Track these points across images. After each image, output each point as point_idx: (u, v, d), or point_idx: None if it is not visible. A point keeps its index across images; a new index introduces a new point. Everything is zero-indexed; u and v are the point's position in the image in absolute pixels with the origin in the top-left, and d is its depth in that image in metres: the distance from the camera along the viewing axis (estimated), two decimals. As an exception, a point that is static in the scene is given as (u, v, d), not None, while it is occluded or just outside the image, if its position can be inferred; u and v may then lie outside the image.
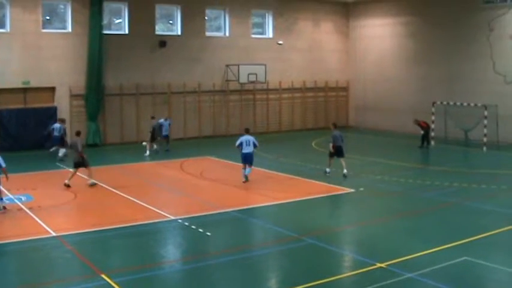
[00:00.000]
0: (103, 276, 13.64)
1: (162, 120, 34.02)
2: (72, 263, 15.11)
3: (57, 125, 32.03)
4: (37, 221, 18.75)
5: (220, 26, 42.75)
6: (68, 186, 23.86)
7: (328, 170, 26.31)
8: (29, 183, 24.96)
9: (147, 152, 32.56)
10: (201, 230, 17.62)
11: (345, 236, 17.91)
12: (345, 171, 25.81)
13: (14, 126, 34.49)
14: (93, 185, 24.33)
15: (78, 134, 25.72)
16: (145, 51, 38.65)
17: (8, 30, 34.42)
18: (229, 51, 41.79)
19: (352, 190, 23.26)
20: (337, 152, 26.14)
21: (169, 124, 34.60)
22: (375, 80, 45.87)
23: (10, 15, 34.35)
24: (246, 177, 25.01)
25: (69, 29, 36.42)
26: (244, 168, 25.12)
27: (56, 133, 31.65)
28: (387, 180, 25.33)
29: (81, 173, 24.55)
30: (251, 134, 25.81)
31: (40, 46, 35.14)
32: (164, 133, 34.00)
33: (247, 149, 24.90)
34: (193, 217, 19.12)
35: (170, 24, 41.17)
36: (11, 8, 34.31)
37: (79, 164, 24.50)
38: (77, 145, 24.45)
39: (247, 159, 25.05)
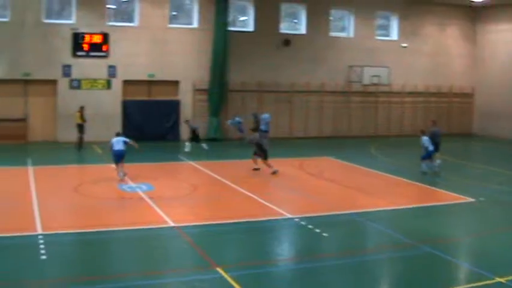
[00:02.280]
0: (218, 269, 13.77)
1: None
2: (189, 254, 15.37)
3: (237, 119, 35.43)
4: (157, 211, 19.19)
5: (344, 26, 42.54)
6: (257, 169, 26.87)
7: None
8: (151, 173, 25.75)
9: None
10: (317, 230, 17.51)
11: (463, 246, 17.32)
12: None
13: (138, 117, 35.65)
14: (275, 172, 26.12)
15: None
16: (269, 49, 38.97)
17: (137, 24, 35.52)
18: (353, 52, 41.54)
19: (473, 200, 22.48)
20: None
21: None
22: (503, 87, 44.06)
23: (139, 10, 35.45)
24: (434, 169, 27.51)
25: (195, 25, 37.24)
26: (430, 162, 27.39)
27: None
28: (509, 191, 24.44)
29: (207, 168, 24.83)
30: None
31: (166, 40, 36.13)
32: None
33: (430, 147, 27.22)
34: (310, 217, 19.01)
35: (295, 23, 41.31)
36: (140, 3, 35.38)
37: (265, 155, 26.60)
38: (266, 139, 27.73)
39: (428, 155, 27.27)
